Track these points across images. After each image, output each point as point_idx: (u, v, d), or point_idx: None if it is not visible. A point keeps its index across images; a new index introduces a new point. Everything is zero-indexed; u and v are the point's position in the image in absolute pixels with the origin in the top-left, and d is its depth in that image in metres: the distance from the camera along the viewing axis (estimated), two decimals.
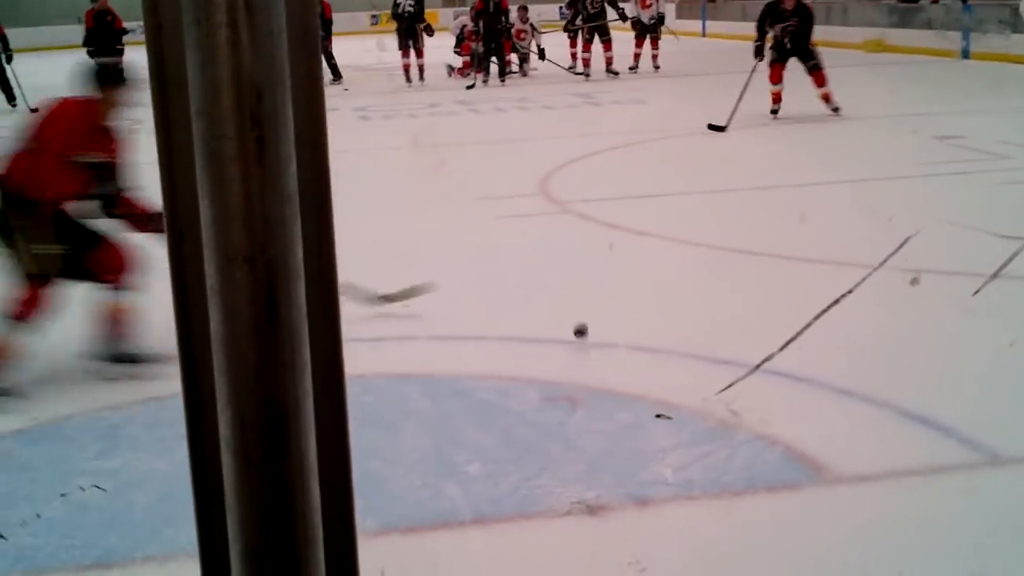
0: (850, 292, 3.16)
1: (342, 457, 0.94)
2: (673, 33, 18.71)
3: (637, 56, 17.97)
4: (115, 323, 4.44)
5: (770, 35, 11.22)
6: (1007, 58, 17.05)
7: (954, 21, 19.03)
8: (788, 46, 11.13)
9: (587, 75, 17.24)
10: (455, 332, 4.84)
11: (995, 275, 3.55)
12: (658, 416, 3.76)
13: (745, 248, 6.04)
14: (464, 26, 18.20)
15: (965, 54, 18.38)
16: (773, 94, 11.32)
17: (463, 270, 5.91)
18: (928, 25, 20.00)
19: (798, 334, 3.16)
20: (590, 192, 7.93)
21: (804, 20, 11.16)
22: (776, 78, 11.28)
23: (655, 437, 3.67)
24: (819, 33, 23.21)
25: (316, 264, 0.91)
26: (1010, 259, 3.32)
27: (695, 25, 29.88)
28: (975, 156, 8.54)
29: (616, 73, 17.27)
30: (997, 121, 10.18)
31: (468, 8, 19.25)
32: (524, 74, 18.12)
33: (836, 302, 3.11)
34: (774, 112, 11.37)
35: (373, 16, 35.11)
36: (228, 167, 0.78)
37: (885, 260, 3.40)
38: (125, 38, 16.04)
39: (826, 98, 11.20)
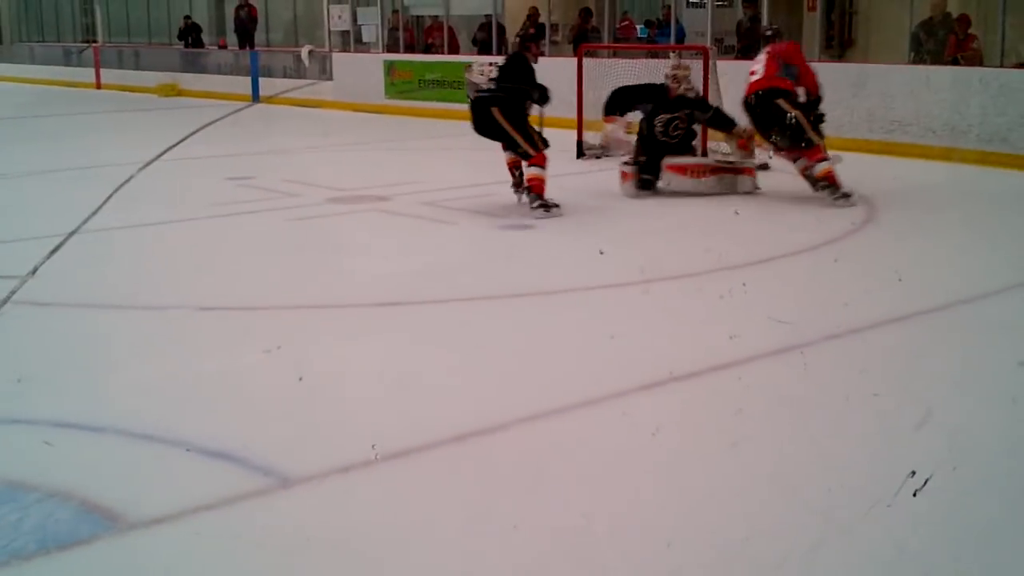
0: None
1: None
2: None
3: None
4: None
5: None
6: (293, 101, 18.16)
7: (243, 67, 19.88)
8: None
9: None
10: None
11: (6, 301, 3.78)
12: None
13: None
14: None
15: (255, 97, 19.26)
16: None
17: None
18: (219, 70, 20.69)
19: None
20: None
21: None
22: None
23: None
24: (110, 77, 22.84)
25: None
26: (9, 297, 3.54)
27: None
28: (264, 195, 8.98)
29: None
30: (284, 161, 10.79)
31: None
32: None
33: None
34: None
35: None
36: None
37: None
38: None
39: None
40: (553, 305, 5.88)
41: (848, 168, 8.65)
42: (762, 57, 8.84)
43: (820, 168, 8.48)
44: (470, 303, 5.90)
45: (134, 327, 5.44)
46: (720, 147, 10.15)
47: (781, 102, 8.48)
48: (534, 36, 9.87)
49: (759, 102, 8.62)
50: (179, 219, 8.00)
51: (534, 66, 8.64)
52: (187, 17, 22.87)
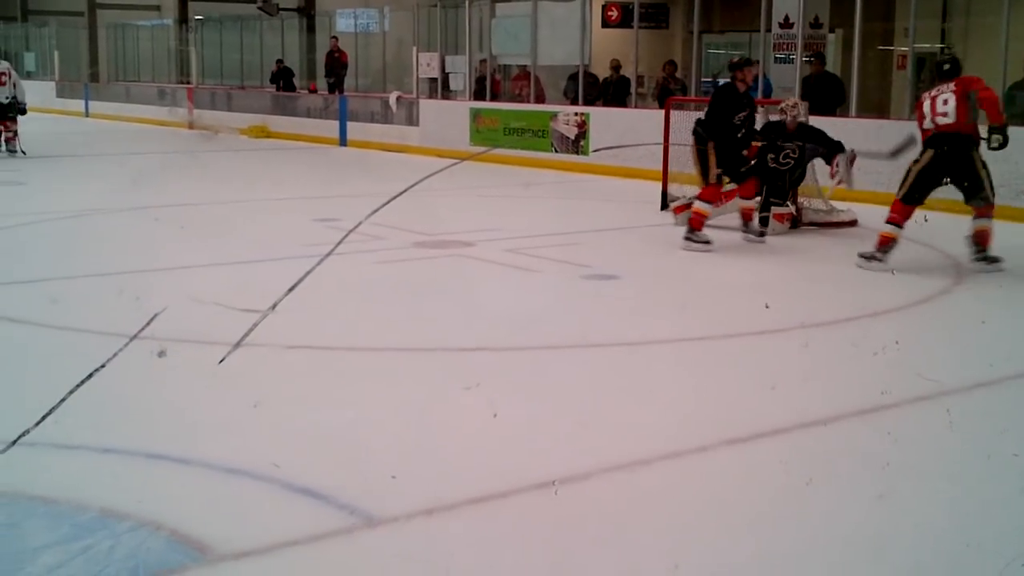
0: (103, 366, 3.23)
1: None
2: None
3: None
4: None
5: None
6: (378, 145, 18.45)
7: (332, 111, 20.23)
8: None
9: None
10: None
11: (238, 344, 3.85)
12: None
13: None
14: None
15: (343, 141, 19.59)
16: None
17: None
18: (308, 114, 21.07)
19: (54, 408, 3.17)
20: None
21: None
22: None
23: (31, 536, 3.47)
24: (207, 118, 23.28)
25: None
26: (252, 328, 3.62)
27: (78, 105, 28.94)
28: (351, 237, 9.10)
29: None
30: (371, 204, 10.92)
31: None
32: None
33: (90, 376, 3.18)
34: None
35: None
36: None
37: (136, 334, 3.54)
38: None
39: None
40: (644, 355, 5.89)
41: (939, 228, 8.55)
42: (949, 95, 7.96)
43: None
44: (553, 351, 5.92)
45: (224, 363, 5.52)
46: (811, 203, 10.14)
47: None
48: (740, 63, 9.22)
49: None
50: (268, 259, 8.15)
51: (741, 91, 8.99)
52: (279, 61, 23.33)
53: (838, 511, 3.80)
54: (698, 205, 8.93)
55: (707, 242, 8.80)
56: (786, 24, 13.69)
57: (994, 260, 8.02)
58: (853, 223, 9.99)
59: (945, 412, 4.77)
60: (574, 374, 5.51)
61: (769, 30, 13.88)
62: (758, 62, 10.26)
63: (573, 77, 16.29)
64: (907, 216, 8.07)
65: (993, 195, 8.03)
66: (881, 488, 3.97)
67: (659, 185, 11.29)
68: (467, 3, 17.71)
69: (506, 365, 5.69)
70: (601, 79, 16.54)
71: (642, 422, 4.72)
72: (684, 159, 11.00)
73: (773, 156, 9.56)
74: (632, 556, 3.41)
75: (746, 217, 9.23)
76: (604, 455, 4.26)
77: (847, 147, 9.60)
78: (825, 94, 12.84)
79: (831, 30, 14.51)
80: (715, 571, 3.35)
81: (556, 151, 15.72)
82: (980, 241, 8.05)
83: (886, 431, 4.59)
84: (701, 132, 9.03)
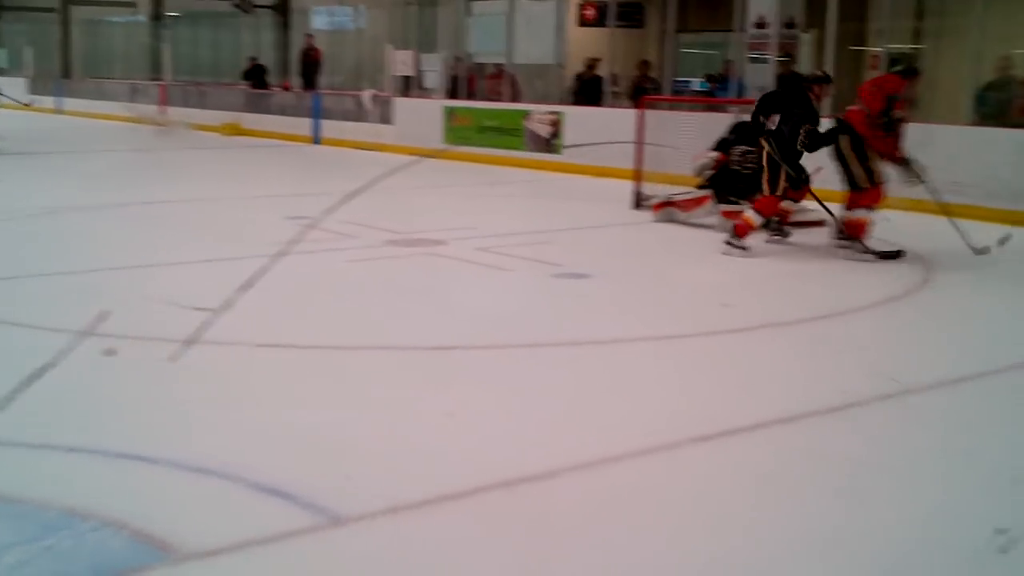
0: (53, 366, 3.20)
1: None
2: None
3: None
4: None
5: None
6: (352, 143, 18.40)
7: (306, 108, 20.16)
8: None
9: None
10: None
11: (190, 342, 3.83)
12: None
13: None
14: None
15: (316, 139, 19.53)
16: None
17: None
18: (282, 112, 20.98)
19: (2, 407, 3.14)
20: None
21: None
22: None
23: None
24: (175, 115, 23.14)
25: None
26: (204, 327, 3.63)
27: (50, 101, 28.69)
28: (323, 235, 9.07)
29: None
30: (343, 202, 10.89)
31: None
32: None
33: (38, 374, 3.15)
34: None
35: None
36: None
37: (86, 334, 3.52)
38: None
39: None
40: (614, 353, 5.89)
41: (907, 226, 8.61)
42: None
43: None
44: (524, 349, 5.91)
45: (191, 361, 5.49)
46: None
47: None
48: (821, 78, 9.05)
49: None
50: (237, 256, 8.10)
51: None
52: (253, 58, 23.22)
53: (804, 508, 3.81)
54: (749, 214, 8.76)
55: (745, 248, 8.67)
56: (761, 24, 13.72)
57: (867, 251, 8.32)
58: (821, 223, 10.02)
59: (911, 410, 4.80)
60: (545, 372, 5.50)
61: (744, 30, 13.91)
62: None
63: (578, 77, 16.28)
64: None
65: (865, 184, 8.43)
66: (847, 484, 3.99)
67: (631, 184, 11.30)
68: (442, 1, 17.69)
69: (478, 363, 5.67)
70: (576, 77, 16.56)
71: (613, 420, 4.72)
72: (658, 158, 11.03)
73: (737, 158, 9.68)
74: (603, 554, 3.41)
75: (784, 220, 9.32)
76: (575, 453, 4.26)
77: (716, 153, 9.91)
78: None
79: (805, 30, 14.55)
80: (685, 568, 3.35)
81: (530, 149, 15.72)
82: (850, 232, 8.51)
83: (852, 429, 4.61)
84: (774, 144, 8.78)
